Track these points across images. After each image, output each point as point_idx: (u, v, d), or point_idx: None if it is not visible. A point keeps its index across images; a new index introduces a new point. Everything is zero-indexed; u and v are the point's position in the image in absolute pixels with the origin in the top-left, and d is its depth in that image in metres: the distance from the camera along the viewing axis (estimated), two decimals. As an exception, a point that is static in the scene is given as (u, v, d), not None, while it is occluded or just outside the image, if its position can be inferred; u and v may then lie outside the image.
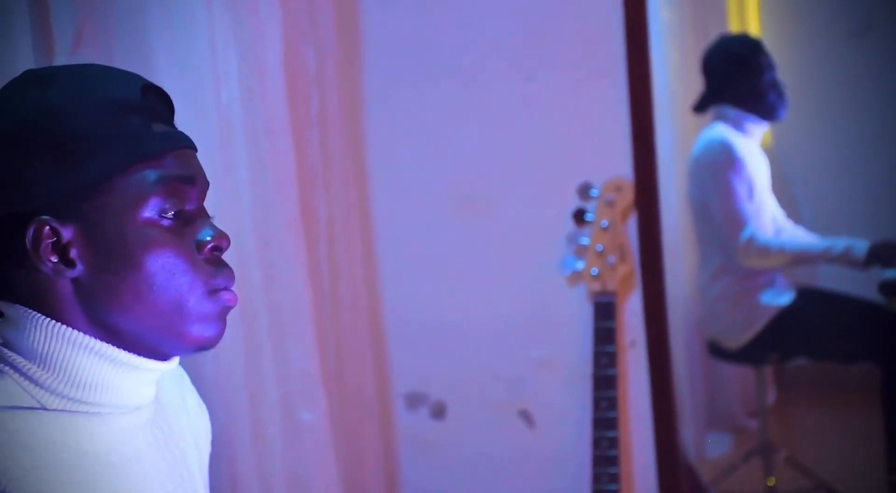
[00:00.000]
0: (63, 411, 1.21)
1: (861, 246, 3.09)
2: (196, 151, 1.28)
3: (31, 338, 1.21)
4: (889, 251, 3.06)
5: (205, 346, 1.26)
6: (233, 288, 1.27)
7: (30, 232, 1.20)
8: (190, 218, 1.25)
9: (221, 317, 1.26)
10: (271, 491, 2.27)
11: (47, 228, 1.20)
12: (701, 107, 3.29)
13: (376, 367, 2.69)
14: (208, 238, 1.25)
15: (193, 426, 1.40)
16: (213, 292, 1.24)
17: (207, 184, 1.28)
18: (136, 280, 1.21)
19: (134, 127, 1.22)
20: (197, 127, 2.01)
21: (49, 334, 1.21)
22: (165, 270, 1.22)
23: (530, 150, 2.70)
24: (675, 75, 3.44)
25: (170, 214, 1.23)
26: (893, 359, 3.11)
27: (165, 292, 1.22)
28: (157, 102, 1.26)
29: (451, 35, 2.71)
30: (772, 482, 3.29)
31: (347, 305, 2.56)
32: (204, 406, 1.45)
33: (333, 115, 2.51)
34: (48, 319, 1.22)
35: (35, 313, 1.22)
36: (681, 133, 3.46)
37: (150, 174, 1.21)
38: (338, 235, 2.53)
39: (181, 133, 1.26)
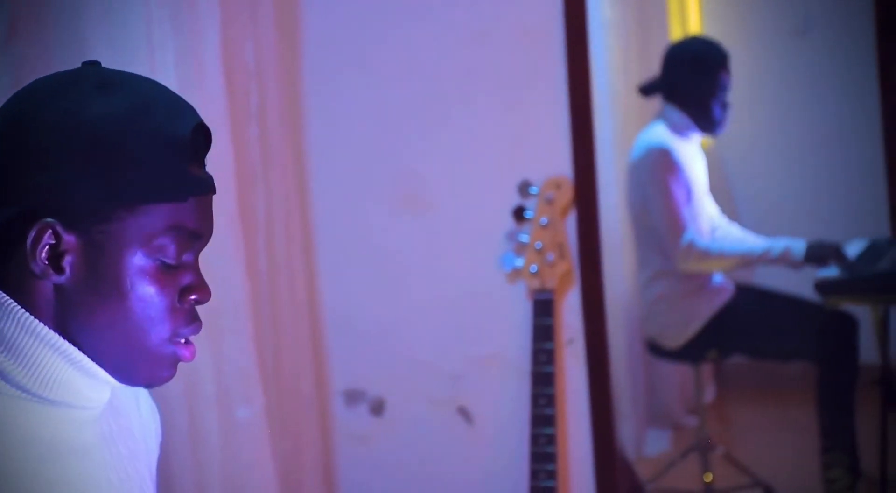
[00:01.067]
0: (16, 397, 1.24)
1: (798, 246, 3.12)
2: (215, 193, 1.31)
3: (2, 324, 1.24)
4: (825, 250, 3.10)
5: (150, 385, 1.31)
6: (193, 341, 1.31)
7: (34, 230, 1.22)
8: (184, 266, 1.28)
9: (175, 364, 1.30)
10: (207, 487, 2.26)
11: (51, 231, 1.22)
12: (648, 91, 3.31)
13: (315, 363, 2.68)
14: (193, 290, 1.28)
15: (144, 427, 1.43)
16: (176, 340, 1.28)
17: (211, 234, 1.31)
18: (115, 308, 1.25)
19: (171, 166, 1.24)
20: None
21: (19, 325, 1.24)
22: (145, 308, 1.25)
23: (471, 147, 2.70)
24: (617, 74, 3.45)
25: (169, 260, 1.26)
26: (828, 357, 3.15)
27: (136, 328, 1.26)
28: (201, 142, 1.28)
29: (392, 32, 2.71)
30: (709, 478, 3.32)
31: (286, 301, 2.55)
32: (156, 410, 1.47)
33: (273, 111, 2.50)
34: (22, 309, 1.24)
35: (11, 300, 1.24)
36: (622, 131, 3.48)
37: (167, 218, 1.25)
38: (277, 231, 2.52)
39: (208, 179, 1.29)
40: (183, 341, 1.29)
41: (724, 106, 3.28)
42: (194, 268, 1.29)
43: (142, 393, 1.44)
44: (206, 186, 1.28)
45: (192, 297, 1.28)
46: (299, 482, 2.56)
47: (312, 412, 2.63)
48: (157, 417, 1.47)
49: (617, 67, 3.44)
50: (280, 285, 2.53)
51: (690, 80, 3.29)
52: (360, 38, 2.72)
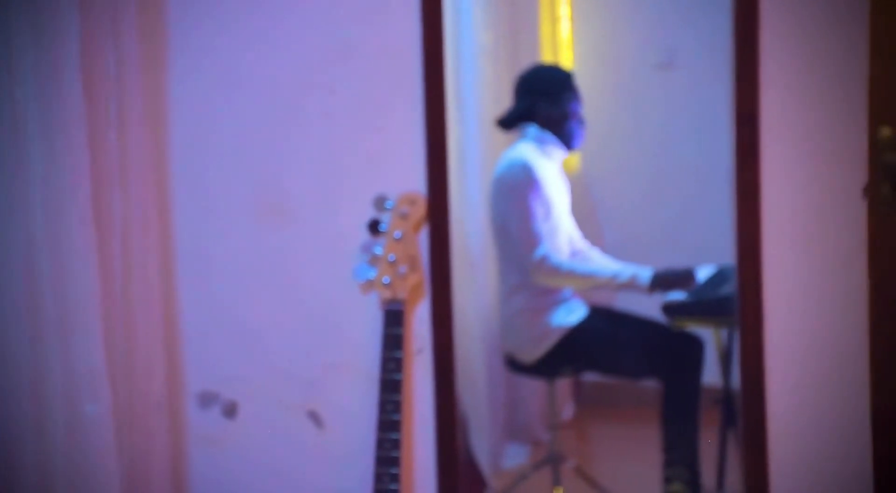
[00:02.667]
0: None
1: (645, 274, 3.24)
2: None
3: None
4: (669, 278, 3.23)
5: None
6: None
7: None
8: None
9: None
10: (50, 481, 2.31)
11: None
12: (506, 123, 3.41)
13: (168, 365, 2.73)
14: None
15: None
16: None
17: None
18: None
19: None
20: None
21: None
22: None
23: (330, 161, 2.79)
24: (488, 96, 3.55)
25: None
26: (672, 375, 3.27)
27: None
28: None
29: (256, 46, 2.78)
30: (559, 492, 3.42)
31: (140, 303, 2.61)
32: None
33: (134, 116, 2.56)
34: None
35: None
36: (490, 151, 3.58)
37: None
38: (133, 234, 2.57)
39: None
40: None
41: (580, 120, 3.39)
42: None
43: None
44: None
45: None
46: (147, 480, 2.61)
47: (164, 412, 2.68)
48: None
49: (488, 89, 3.54)
50: (134, 287, 2.58)
51: (544, 101, 3.39)
52: (225, 50, 2.79)
